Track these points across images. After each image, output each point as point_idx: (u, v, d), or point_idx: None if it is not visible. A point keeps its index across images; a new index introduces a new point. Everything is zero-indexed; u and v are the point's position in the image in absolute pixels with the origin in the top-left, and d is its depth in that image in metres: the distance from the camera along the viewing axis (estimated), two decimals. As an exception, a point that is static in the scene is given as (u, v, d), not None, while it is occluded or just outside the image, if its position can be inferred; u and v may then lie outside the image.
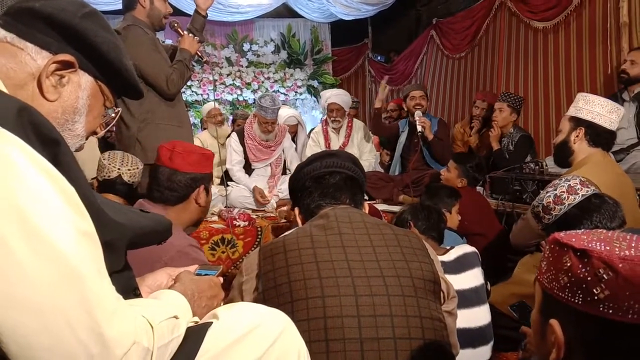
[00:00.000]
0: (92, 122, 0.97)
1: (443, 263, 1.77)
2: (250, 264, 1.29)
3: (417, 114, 3.90)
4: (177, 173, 1.74)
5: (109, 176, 2.17)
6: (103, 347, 0.65)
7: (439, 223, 2.05)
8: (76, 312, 0.64)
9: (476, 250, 1.91)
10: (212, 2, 2.83)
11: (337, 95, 4.40)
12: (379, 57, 7.34)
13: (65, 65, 0.88)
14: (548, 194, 1.63)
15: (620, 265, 0.64)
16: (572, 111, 2.15)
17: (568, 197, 1.58)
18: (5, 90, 0.78)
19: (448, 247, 1.93)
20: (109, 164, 2.23)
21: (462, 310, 1.68)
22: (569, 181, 1.60)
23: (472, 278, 1.83)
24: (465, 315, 1.71)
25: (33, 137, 0.67)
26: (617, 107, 2.11)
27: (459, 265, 1.83)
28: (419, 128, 3.81)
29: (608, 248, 0.67)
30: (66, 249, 0.64)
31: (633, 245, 0.67)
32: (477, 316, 1.77)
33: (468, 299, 1.76)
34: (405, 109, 4.47)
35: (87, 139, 0.98)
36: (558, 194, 1.60)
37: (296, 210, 1.51)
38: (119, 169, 2.19)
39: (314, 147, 4.47)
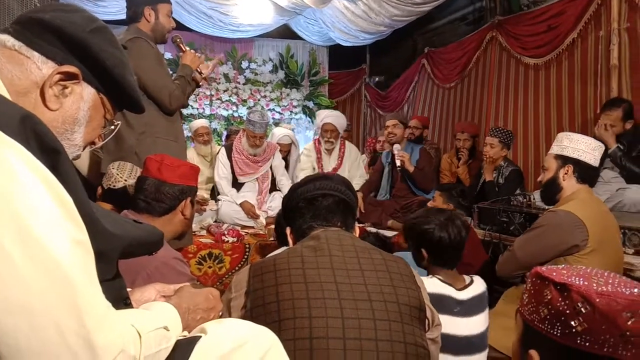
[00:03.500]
0: (91, 133, 0.98)
1: (460, 302, 1.72)
2: (239, 281, 1.31)
3: (396, 147, 3.91)
4: (165, 184, 1.77)
5: (114, 186, 2.14)
6: (91, 354, 0.66)
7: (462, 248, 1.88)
8: (66, 317, 0.65)
9: (486, 288, 1.84)
10: (201, 62, 2.84)
11: (333, 116, 4.43)
12: (377, 79, 7.45)
13: (69, 77, 0.90)
14: None
15: (597, 300, 0.67)
16: (556, 150, 2.21)
17: None
18: (8, 96, 0.80)
19: (467, 281, 1.84)
20: (117, 174, 2.18)
21: (465, 357, 1.67)
22: None
23: (480, 322, 1.76)
24: None
25: (34, 144, 0.69)
26: (599, 145, 2.19)
27: (472, 308, 1.76)
28: (398, 162, 3.84)
29: (587, 283, 0.70)
30: (60, 256, 0.65)
31: (610, 281, 0.70)
32: None
33: (474, 345, 1.72)
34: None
35: (84, 149, 0.99)
36: None
37: (288, 230, 1.53)
38: (125, 180, 2.16)
39: (305, 160, 4.48)
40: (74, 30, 0.90)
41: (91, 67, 0.93)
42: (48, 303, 0.64)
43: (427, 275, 1.84)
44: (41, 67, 0.88)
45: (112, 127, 1.05)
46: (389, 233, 3.59)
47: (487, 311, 1.81)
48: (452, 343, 1.65)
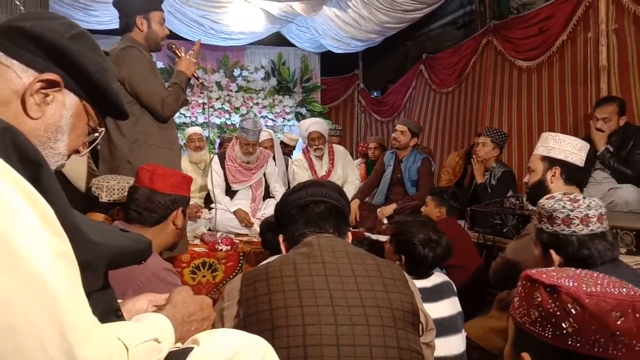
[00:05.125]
0: (74, 141, 0.97)
1: (423, 289, 1.78)
2: (232, 290, 1.30)
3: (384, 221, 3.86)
4: (157, 194, 1.77)
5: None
6: None
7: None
8: (49, 333, 0.63)
9: (450, 281, 1.95)
10: (196, 67, 2.86)
11: (316, 124, 4.50)
12: (375, 94, 7.50)
13: (50, 84, 0.89)
14: (564, 209, 1.52)
15: (586, 301, 0.68)
16: (542, 151, 2.20)
17: (578, 225, 1.51)
18: None
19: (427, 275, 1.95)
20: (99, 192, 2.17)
21: (439, 339, 1.69)
22: (590, 210, 1.51)
23: (450, 306, 1.85)
24: (443, 343, 1.72)
25: (14, 157, 0.68)
26: (584, 144, 2.19)
27: (438, 293, 1.86)
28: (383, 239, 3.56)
29: (576, 284, 0.70)
30: (41, 270, 0.64)
31: (599, 282, 0.70)
32: (453, 345, 1.79)
33: (446, 327, 1.78)
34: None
35: (68, 157, 0.98)
36: (572, 216, 1.51)
37: (280, 237, 1.53)
38: (93, 183, 2.18)
39: (301, 170, 4.51)
40: (54, 37, 0.89)
41: (72, 73, 0.92)
42: (30, 319, 0.62)
43: None
44: (21, 75, 0.87)
45: (96, 134, 1.04)
46: (382, 238, 3.59)
47: (454, 298, 1.87)
48: None
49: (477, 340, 2.03)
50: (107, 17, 5.27)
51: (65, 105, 0.93)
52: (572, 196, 1.57)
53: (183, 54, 2.81)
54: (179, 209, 1.81)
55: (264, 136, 4.58)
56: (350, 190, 4.34)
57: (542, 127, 4.36)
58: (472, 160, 3.93)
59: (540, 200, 1.63)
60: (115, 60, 2.53)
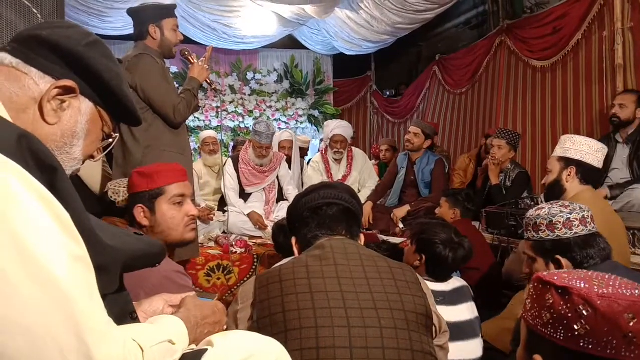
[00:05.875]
0: (89, 146, 0.99)
1: (442, 293, 1.80)
2: (246, 293, 1.31)
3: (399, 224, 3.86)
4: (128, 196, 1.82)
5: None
6: None
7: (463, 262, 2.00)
8: (66, 335, 0.65)
9: (468, 285, 1.95)
10: (209, 74, 2.87)
11: (342, 127, 4.47)
12: (387, 93, 7.48)
13: (67, 91, 0.91)
14: (563, 213, 1.59)
15: (598, 302, 0.67)
16: (559, 152, 2.23)
17: (578, 226, 1.57)
18: (7, 114, 0.81)
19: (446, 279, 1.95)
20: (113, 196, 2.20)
21: (457, 343, 1.69)
22: (584, 212, 1.59)
23: (468, 311, 1.85)
24: (461, 347, 1.72)
25: (32, 163, 0.70)
26: (602, 147, 2.21)
27: (456, 297, 1.85)
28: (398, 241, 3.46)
29: (587, 286, 0.70)
30: (59, 273, 0.65)
31: (611, 283, 0.70)
32: (471, 349, 1.78)
33: (464, 331, 1.77)
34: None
35: (84, 162, 1.00)
36: (571, 219, 1.57)
37: (293, 240, 1.53)
38: (109, 187, 2.22)
39: (315, 174, 4.51)
40: (70, 44, 0.91)
41: (88, 80, 0.94)
42: (47, 322, 0.64)
43: None
44: (39, 82, 0.89)
45: (111, 140, 1.06)
46: (398, 240, 3.57)
47: (472, 303, 1.88)
48: None
49: (492, 341, 2.02)
50: (121, 24, 5.34)
51: (81, 111, 0.94)
52: (560, 203, 1.65)
53: (195, 61, 2.84)
54: (136, 207, 1.74)
55: (285, 136, 4.58)
56: (367, 195, 4.33)
57: (556, 127, 4.32)
58: (487, 162, 3.90)
59: (529, 213, 1.69)
60: (128, 67, 2.57)
